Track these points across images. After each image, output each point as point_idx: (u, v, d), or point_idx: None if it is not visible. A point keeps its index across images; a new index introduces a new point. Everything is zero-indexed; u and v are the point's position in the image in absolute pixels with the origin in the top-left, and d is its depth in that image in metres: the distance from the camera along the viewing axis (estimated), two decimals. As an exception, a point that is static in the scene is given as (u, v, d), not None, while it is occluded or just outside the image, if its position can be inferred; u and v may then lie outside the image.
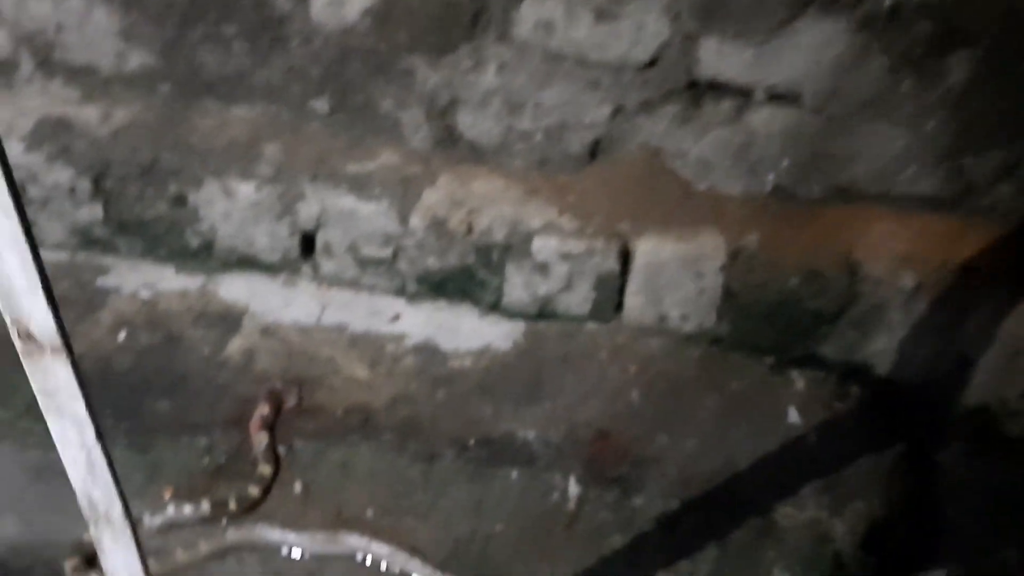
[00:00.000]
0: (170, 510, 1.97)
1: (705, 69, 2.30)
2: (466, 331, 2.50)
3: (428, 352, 2.44)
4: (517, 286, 2.48)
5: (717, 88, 2.33)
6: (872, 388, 2.46)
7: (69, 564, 1.84)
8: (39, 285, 1.10)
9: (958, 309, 2.34)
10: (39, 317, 1.12)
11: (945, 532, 2.45)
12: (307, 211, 2.45)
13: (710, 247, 2.37)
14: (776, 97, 2.30)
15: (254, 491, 2.04)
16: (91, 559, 1.89)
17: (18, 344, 1.15)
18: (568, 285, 2.45)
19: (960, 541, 2.45)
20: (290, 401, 2.24)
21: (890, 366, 2.44)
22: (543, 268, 2.42)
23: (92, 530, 1.36)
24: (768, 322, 2.41)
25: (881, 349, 2.41)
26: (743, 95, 2.32)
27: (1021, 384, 2.38)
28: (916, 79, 2.23)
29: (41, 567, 1.89)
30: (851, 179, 2.38)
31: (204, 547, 1.92)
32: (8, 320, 1.12)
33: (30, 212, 2.50)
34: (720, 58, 2.27)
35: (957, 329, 2.36)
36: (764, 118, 2.34)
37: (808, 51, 2.21)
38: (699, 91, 2.35)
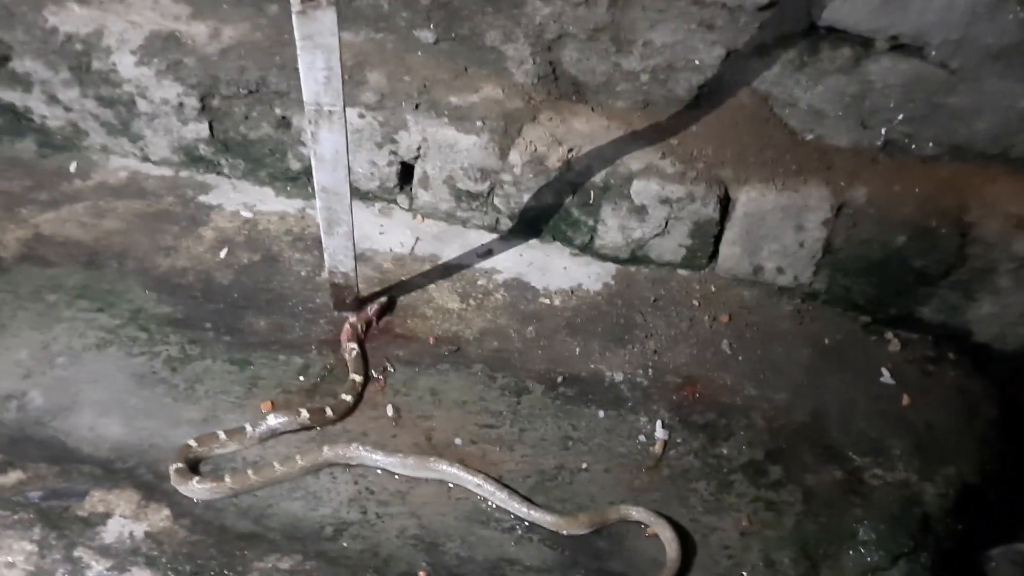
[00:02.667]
0: (271, 419, 2.03)
1: (826, 14, 2.21)
2: (556, 270, 2.50)
3: (519, 288, 2.45)
4: (612, 228, 2.46)
5: (836, 35, 2.25)
6: (970, 354, 2.40)
7: (174, 467, 1.91)
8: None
9: (1072, 278, 2.26)
10: None
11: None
12: (408, 141, 2.45)
13: (814, 199, 2.31)
14: (899, 47, 2.21)
15: (348, 398, 2.09)
16: (194, 464, 1.96)
17: (297, 3, 1.70)
18: (664, 230, 2.42)
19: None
20: (371, 311, 2.28)
21: (992, 333, 2.37)
22: (640, 211, 2.40)
23: (310, 126, 1.91)
24: (868, 279, 2.36)
25: (984, 314, 2.34)
26: (863, 44, 2.24)
27: None
28: (1052, 34, 2.12)
29: (144, 468, 1.96)
30: (969, 136, 2.29)
31: (301, 461, 1.97)
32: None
33: (138, 125, 2.57)
34: (843, 3, 2.18)
35: (1068, 299, 2.28)
36: (883, 68, 2.25)
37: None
38: (817, 37, 2.27)
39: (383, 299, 2.32)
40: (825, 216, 2.31)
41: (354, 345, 2.20)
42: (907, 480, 2.11)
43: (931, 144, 2.33)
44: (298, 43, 1.76)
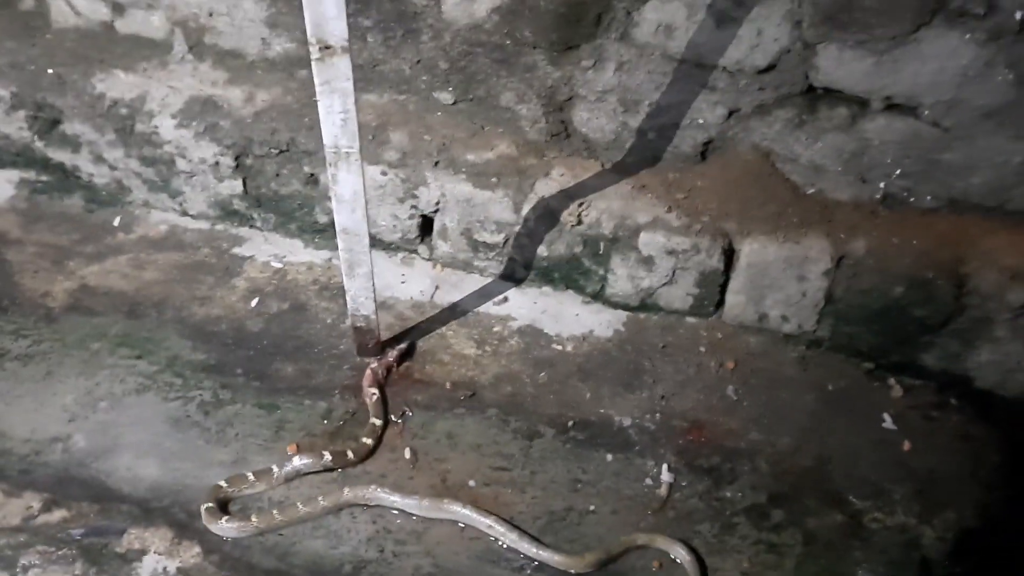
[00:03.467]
0: (296, 460, 2.16)
1: (823, 76, 2.33)
2: (569, 317, 2.62)
3: (532, 335, 2.57)
4: (621, 277, 2.57)
5: (834, 95, 2.36)
6: (972, 400, 2.46)
7: (205, 506, 2.05)
8: (343, 11, 1.80)
9: (1069, 327, 2.32)
10: (338, 32, 1.82)
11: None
12: (427, 196, 2.60)
13: (816, 251, 2.41)
14: (893, 107, 2.32)
15: (368, 441, 2.21)
16: (224, 504, 2.09)
17: (316, 52, 1.86)
18: (671, 279, 2.53)
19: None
20: (392, 356, 2.40)
21: (992, 379, 2.43)
22: (648, 262, 2.51)
23: (330, 168, 2.07)
24: (870, 327, 2.44)
25: (984, 362, 2.41)
26: (859, 103, 2.34)
27: None
28: (1041, 93, 2.21)
29: (178, 508, 2.10)
30: (965, 191, 2.38)
31: (323, 502, 2.09)
32: (312, 34, 1.82)
33: (178, 182, 2.75)
34: (839, 65, 2.30)
35: (1066, 347, 2.34)
36: (879, 126, 2.35)
37: (931, 62, 2.22)
38: (815, 97, 2.39)
39: (403, 345, 2.45)
40: (826, 267, 2.40)
41: (375, 390, 2.32)
42: (907, 524, 2.17)
43: (929, 198, 2.42)
44: (317, 88, 1.91)
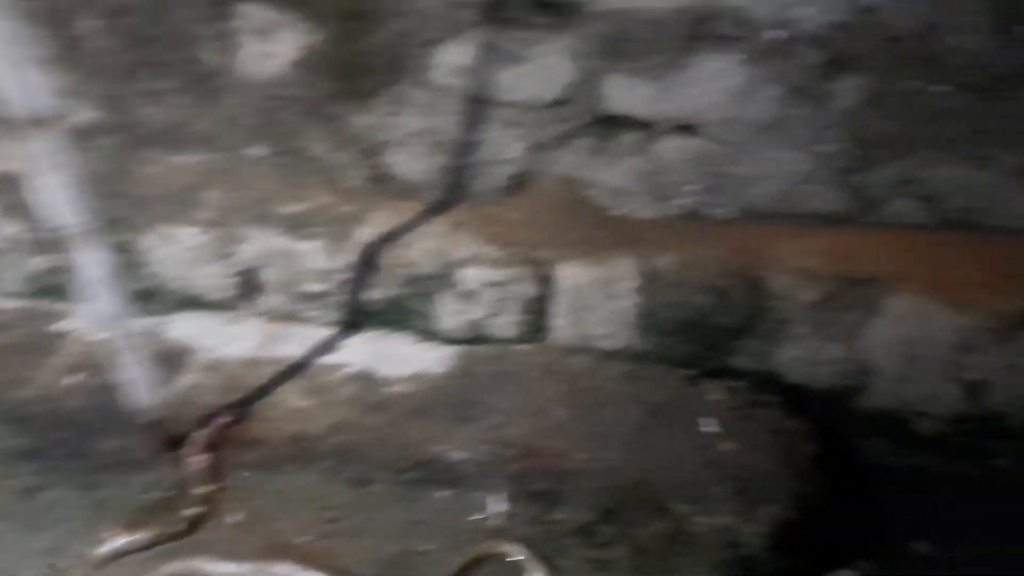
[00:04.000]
0: (118, 540, 2.10)
1: (612, 104, 2.45)
2: (402, 358, 2.64)
3: (365, 380, 2.58)
4: (448, 314, 2.62)
5: (624, 121, 2.49)
6: (785, 395, 2.60)
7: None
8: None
9: (860, 318, 2.49)
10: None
11: (864, 527, 2.60)
12: (246, 252, 2.59)
13: (624, 269, 2.51)
14: (679, 128, 2.45)
15: (193, 513, 2.17)
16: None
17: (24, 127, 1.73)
18: (496, 311, 2.59)
19: (878, 535, 2.60)
20: (224, 424, 2.37)
21: (800, 374, 2.58)
22: (471, 296, 2.57)
23: (70, 254, 1.92)
24: (683, 337, 2.56)
25: (790, 358, 2.55)
26: (648, 127, 2.47)
27: (923, 387, 2.53)
28: (808, 105, 2.38)
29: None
30: (755, 200, 2.53)
31: (146, 577, 2.06)
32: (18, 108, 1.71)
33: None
34: (624, 93, 2.42)
35: (860, 337, 2.50)
36: (669, 147, 2.49)
37: (704, 84, 2.36)
38: (608, 124, 2.51)
39: (228, 418, 2.41)
40: (636, 284, 2.51)
41: (200, 459, 2.29)
42: (729, 524, 2.27)
43: (724, 209, 2.56)
44: (30, 167, 1.79)
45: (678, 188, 2.54)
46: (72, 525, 2.17)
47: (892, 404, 2.59)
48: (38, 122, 1.74)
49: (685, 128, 2.45)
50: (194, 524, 2.18)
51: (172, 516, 2.17)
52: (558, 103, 2.46)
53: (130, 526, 2.15)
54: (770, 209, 2.55)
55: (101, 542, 2.11)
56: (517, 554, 2.12)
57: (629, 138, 2.50)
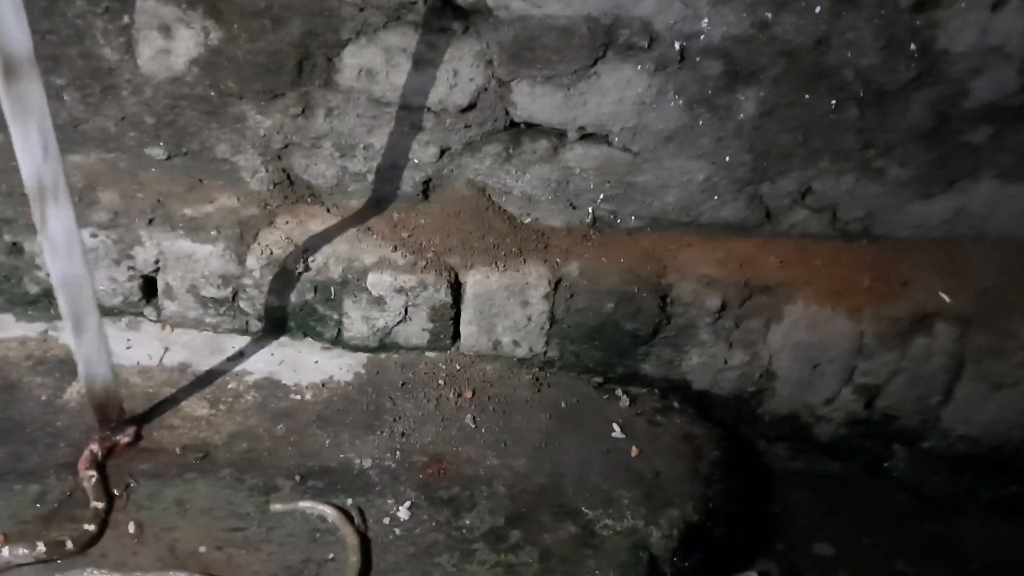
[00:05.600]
0: (5, 553, 1.99)
1: (520, 111, 2.46)
2: (308, 365, 2.59)
3: (270, 387, 2.52)
4: (356, 320, 2.58)
5: (534, 128, 2.50)
6: (692, 401, 2.65)
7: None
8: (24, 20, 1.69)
9: (762, 325, 2.55)
10: (22, 44, 1.69)
11: (766, 530, 2.66)
12: (145, 255, 2.50)
13: (534, 276, 2.52)
14: (587, 136, 2.48)
15: (90, 528, 2.06)
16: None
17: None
18: (405, 317, 2.56)
19: (780, 537, 2.66)
20: (124, 439, 2.28)
21: (706, 380, 2.64)
22: (379, 302, 2.53)
23: (35, 208, 1.89)
24: (592, 344, 2.58)
25: (695, 365, 2.60)
26: (558, 135, 2.50)
27: (822, 392, 2.61)
28: (710, 115, 2.44)
29: None
30: (662, 209, 2.58)
31: (33, 593, 1.95)
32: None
33: None
34: (533, 100, 2.43)
35: (762, 344, 2.57)
36: (578, 155, 2.51)
37: (611, 93, 2.40)
38: (518, 132, 2.52)
39: (132, 428, 2.31)
40: (545, 291, 2.52)
41: (92, 472, 2.18)
42: (635, 527, 2.29)
43: (632, 218, 2.60)
44: (8, 116, 1.75)
45: (587, 196, 2.57)
46: (-50, 539, 2.04)
47: (793, 408, 2.67)
48: (16, 65, 1.69)
49: (593, 136, 2.48)
50: (91, 541, 2.07)
51: (66, 530, 2.07)
52: (467, 109, 2.45)
53: (20, 538, 2.04)
54: (675, 218, 2.60)
55: (-14, 555, 1.99)
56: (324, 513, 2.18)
57: (538, 145, 2.52)
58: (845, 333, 2.54)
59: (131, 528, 2.13)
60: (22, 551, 2.01)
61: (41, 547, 2.01)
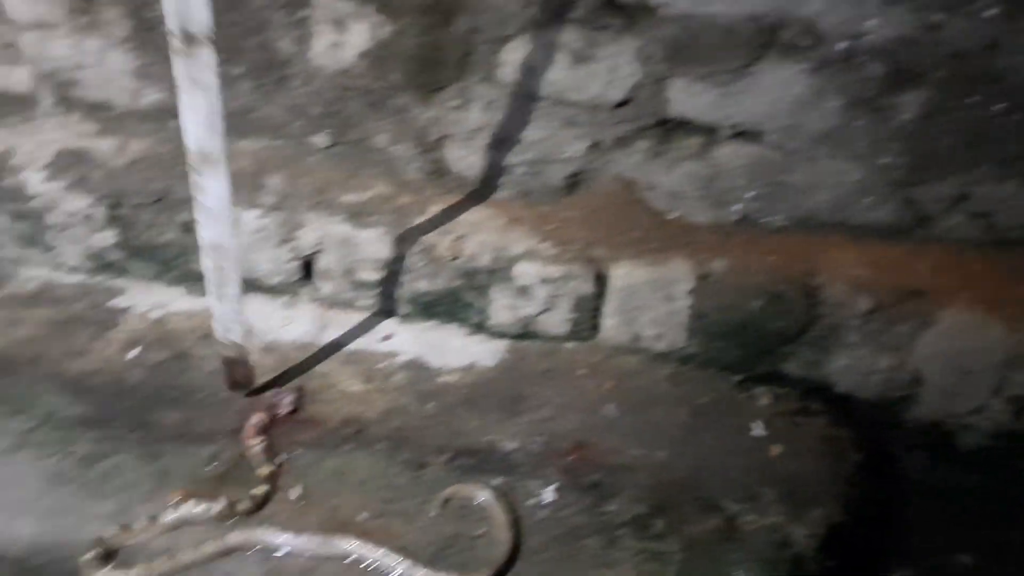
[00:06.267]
0: (184, 509, 2.14)
1: (674, 108, 2.49)
2: (453, 349, 2.68)
3: (418, 368, 2.62)
4: (501, 308, 2.65)
5: (685, 125, 2.53)
6: (833, 404, 2.63)
7: (86, 557, 2.01)
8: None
9: (911, 330, 2.52)
10: (202, 21, 1.81)
11: (904, 537, 2.62)
12: (307, 238, 2.64)
13: (679, 272, 2.55)
14: (740, 134, 2.50)
15: (258, 491, 2.20)
16: (108, 555, 2.05)
17: (178, 44, 1.83)
18: (548, 307, 2.63)
19: (918, 546, 2.62)
20: (284, 408, 2.41)
21: (850, 383, 2.61)
22: (525, 291, 2.60)
23: (194, 176, 2.04)
24: (734, 341, 2.59)
25: (840, 367, 2.58)
26: (709, 132, 2.52)
27: (970, 400, 2.55)
28: (870, 116, 2.42)
29: (55, 565, 2.04)
30: (811, 209, 2.57)
31: (208, 548, 2.07)
32: (176, 25, 1.80)
33: (49, 236, 2.71)
34: (688, 98, 2.47)
35: (911, 349, 2.53)
36: (729, 153, 2.53)
37: (768, 92, 2.41)
38: (669, 128, 2.55)
39: (290, 397, 2.45)
40: (690, 286, 2.54)
41: (259, 440, 2.32)
42: (778, 524, 2.29)
43: (780, 217, 2.60)
44: (180, 85, 1.89)
45: (735, 194, 2.58)
46: (135, 492, 2.20)
47: (937, 416, 2.61)
48: (194, 39, 1.82)
49: (745, 134, 2.50)
50: (258, 503, 2.20)
51: (234, 491, 2.20)
52: (621, 104, 2.50)
53: (194, 496, 2.18)
54: (825, 219, 2.58)
55: (166, 508, 2.14)
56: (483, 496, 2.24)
57: (688, 142, 2.55)
58: (998, 342, 2.48)
59: (295, 494, 2.25)
60: (200, 508, 2.15)
61: (217, 506, 2.15)
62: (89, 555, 2.01)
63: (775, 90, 2.40)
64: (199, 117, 1.95)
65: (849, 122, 2.43)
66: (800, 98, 2.40)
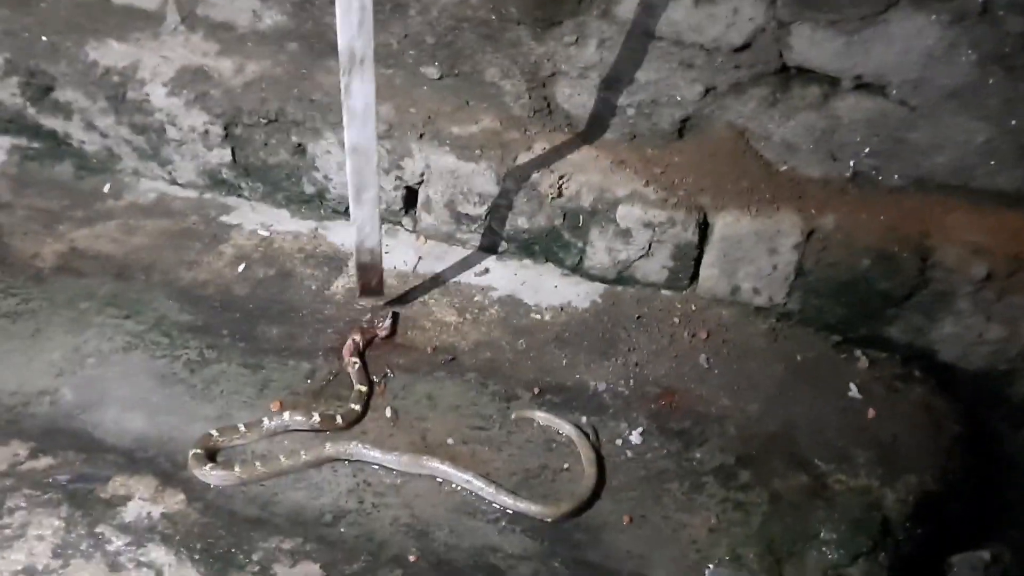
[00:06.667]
0: (286, 416, 2.22)
1: (796, 55, 2.41)
2: (548, 289, 2.69)
3: (512, 304, 2.63)
4: (599, 250, 2.64)
5: (806, 74, 2.45)
6: (934, 373, 2.55)
7: (193, 452, 2.11)
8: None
9: (1027, 302, 2.41)
10: None
11: (1000, 514, 2.54)
12: (412, 167, 2.66)
13: (787, 225, 2.49)
14: (863, 86, 2.41)
15: (355, 407, 2.27)
16: (212, 453, 2.15)
17: None
18: (648, 252, 2.60)
19: (1013, 523, 2.53)
20: (382, 332, 2.46)
21: (954, 353, 2.52)
22: (625, 234, 2.58)
23: (344, 78, 2.09)
24: (837, 300, 2.53)
25: (947, 335, 2.50)
26: (830, 82, 2.43)
27: (1085, 381, 2.44)
28: (1004, 75, 2.30)
29: (163, 458, 2.15)
30: (930, 170, 2.47)
31: (305, 456, 2.16)
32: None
33: (167, 151, 2.80)
34: (811, 45, 2.38)
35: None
36: (849, 105, 2.44)
37: (898, 42, 2.31)
38: (788, 76, 2.47)
39: (388, 320, 2.50)
40: (796, 241, 2.48)
41: (356, 359, 2.37)
42: (869, 487, 2.25)
43: (896, 176, 2.51)
44: None
45: (851, 149, 2.50)
46: (237, 398, 2.30)
47: (1049, 394, 2.51)
48: None
49: (868, 87, 2.40)
50: (354, 419, 2.27)
51: (336, 408, 2.27)
52: (741, 49, 2.43)
53: (294, 407, 2.26)
54: (943, 180, 2.48)
55: (268, 416, 2.22)
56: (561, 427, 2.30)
57: (808, 92, 2.47)
58: (1123, 322, 2.36)
59: (388, 413, 2.31)
60: (299, 418, 2.23)
61: (316, 417, 2.23)
62: (197, 449, 2.11)
63: (905, 41, 2.30)
64: (351, 16, 1.98)
65: (981, 79, 2.31)
66: (931, 51, 2.29)
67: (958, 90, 2.33)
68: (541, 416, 2.32)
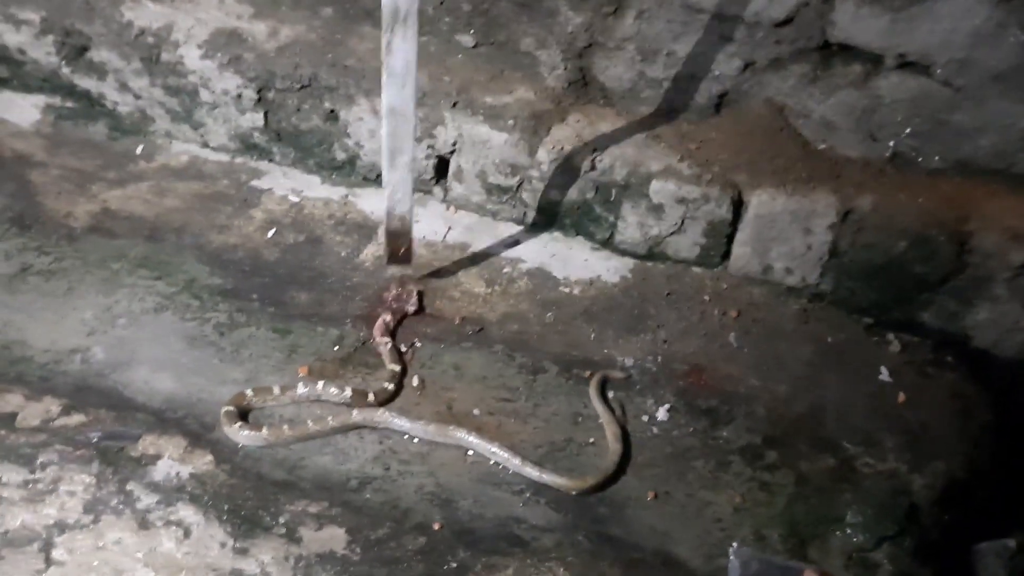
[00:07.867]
0: (319, 387, 2.23)
1: (839, 31, 2.37)
2: (577, 262, 2.67)
3: (541, 277, 2.62)
4: (631, 224, 2.62)
5: (848, 51, 2.40)
6: (967, 359, 2.51)
7: (225, 409, 2.13)
8: None
9: (1066, 290, 2.37)
10: None
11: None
12: (444, 136, 2.65)
13: (822, 205, 2.46)
14: (906, 65, 2.36)
15: (388, 386, 2.27)
16: (244, 413, 2.17)
17: None
18: (680, 228, 2.58)
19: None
20: (411, 308, 2.46)
21: (988, 340, 2.49)
22: (658, 209, 2.56)
23: (385, 35, 2.04)
24: (871, 283, 2.49)
25: (982, 321, 2.46)
26: (873, 60, 2.38)
27: (1122, 371, 2.40)
28: (1053, 58, 2.25)
29: (192, 419, 2.17)
30: (972, 153, 2.42)
31: (332, 422, 2.16)
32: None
33: (200, 113, 2.80)
34: (855, 21, 2.33)
35: (1063, 310, 2.39)
36: (891, 84, 2.40)
37: (945, 21, 2.26)
38: (830, 52, 2.43)
39: (415, 296, 2.49)
40: (832, 221, 2.45)
41: (388, 339, 2.36)
42: (897, 471, 2.23)
43: (936, 158, 2.46)
44: None
45: (892, 129, 2.45)
46: (265, 362, 2.31)
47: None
48: None
49: (912, 66, 2.35)
50: (387, 398, 2.27)
51: (357, 372, 2.28)
52: (783, 23, 2.39)
53: (319, 372, 2.27)
54: (985, 164, 2.43)
55: (296, 382, 2.23)
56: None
57: (849, 70, 2.42)
58: None
59: (415, 382, 2.31)
60: (333, 390, 2.24)
61: (348, 392, 2.23)
62: (229, 407, 2.13)
63: (953, 20, 2.24)
64: None
65: (1030, 61, 2.26)
66: (979, 31, 2.24)
67: (1004, 72, 2.28)
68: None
